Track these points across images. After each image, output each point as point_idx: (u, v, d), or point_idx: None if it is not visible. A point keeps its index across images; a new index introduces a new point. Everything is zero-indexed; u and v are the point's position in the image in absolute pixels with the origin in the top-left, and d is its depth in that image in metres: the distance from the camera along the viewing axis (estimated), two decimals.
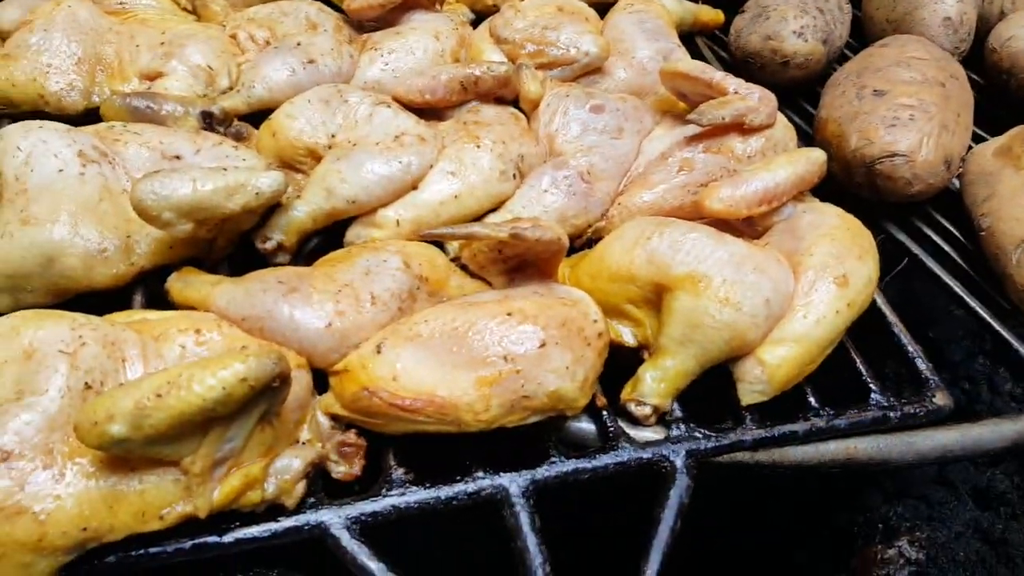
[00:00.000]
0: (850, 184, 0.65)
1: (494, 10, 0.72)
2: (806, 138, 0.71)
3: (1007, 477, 0.73)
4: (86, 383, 0.41)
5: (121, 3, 0.69)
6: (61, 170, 0.51)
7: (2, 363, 0.41)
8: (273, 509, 0.43)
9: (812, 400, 0.51)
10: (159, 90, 0.60)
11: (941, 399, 0.52)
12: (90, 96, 0.61)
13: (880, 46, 0.72)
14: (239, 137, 0.58)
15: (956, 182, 0.67)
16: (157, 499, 0.39)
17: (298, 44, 0.62)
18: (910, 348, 0.54)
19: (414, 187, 0.55)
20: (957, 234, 0.66)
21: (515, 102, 0.64)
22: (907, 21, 0.77)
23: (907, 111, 0.63)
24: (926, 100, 0.63)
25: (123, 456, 0.38)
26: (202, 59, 0.62)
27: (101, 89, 0.62)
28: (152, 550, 0.41)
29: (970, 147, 0.67)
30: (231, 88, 0.63)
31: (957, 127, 0.64)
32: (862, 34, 0.83)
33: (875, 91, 0.65)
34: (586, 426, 0.50)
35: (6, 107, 0.61)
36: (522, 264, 0.51)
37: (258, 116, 0.61)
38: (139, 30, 0.65)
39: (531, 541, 0.43)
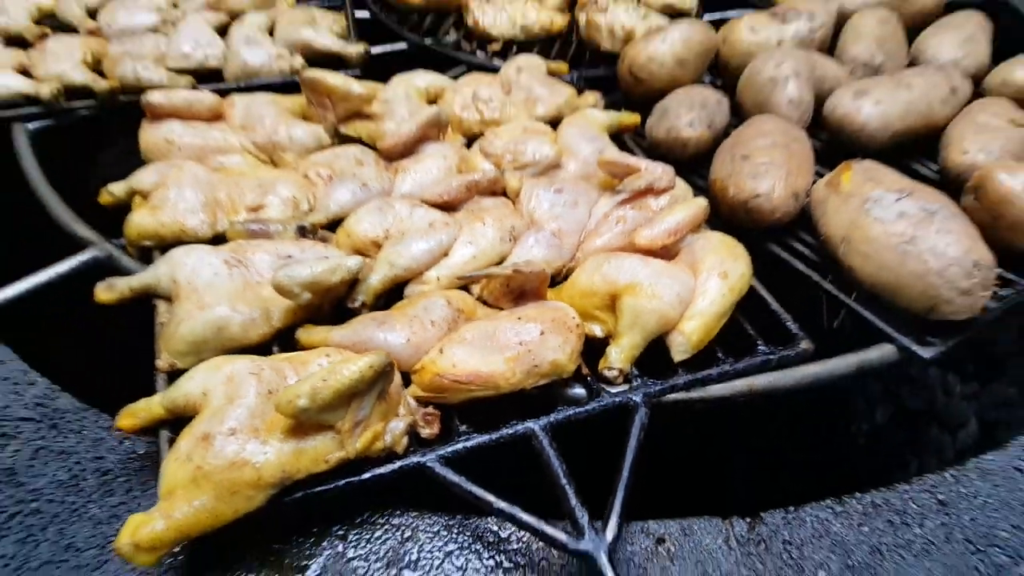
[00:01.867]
0: (735, 219, 0.94)
1: (480, 135, 1.04)
2: (705, 193, 1.01)
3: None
4: (268, 390, 0.67)
5: (220, 163, 1.00)
6: (216, 273, 0.78)
7: (217, 385, 0.67)
8: (389, 457, 0.68)
9: (720, 354, 0.78)
10: (264, 216, 0.89)
11: (806, 345, 0.79)
12: (215, 227, 0.89)
13: (746, 126, 1.04)
14: (324, 240, 0.86)
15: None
16: (323, 450, 0.64)
17: (353, 175, 0.92)
18: (781, 314, 0.82)
19: (445, 255, 0.83)
20: (809, 240, 0.95)
21: (504, 193, 0.94)
22: (765, 104, 1.09)
23: (763, 166, 0.93)
24: (776, 158, 0.94)
25: (302, 423, 0.64)
26: (288, 193, 0.92)
27: (221, 221, 0.90)
28: (320, 488, 0.66)
29: (814, 183, 0.97)
30: (311, 210, 0.92)
31: (799, 172, 0.94)
32: (739, 115, 1.15)
33: (743, 156, 0.96)
34: (578, 391, 0.76)
35: (156, 242, 0.89)
36: (523, 293, 0.79)
37: (333, 225, 0.90)
38: (240, 179, 0.94)
39: (552, 455, 0.68)
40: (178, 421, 0.68)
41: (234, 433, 0.63)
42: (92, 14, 1.33)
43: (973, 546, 0.69)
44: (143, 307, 0.82)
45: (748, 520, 0.70)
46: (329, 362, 0.70)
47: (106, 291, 0.80)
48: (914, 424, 0.86)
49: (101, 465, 0.73)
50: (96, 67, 1.20)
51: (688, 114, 1.06)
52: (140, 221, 0.87)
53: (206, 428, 0.63)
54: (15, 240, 1.14)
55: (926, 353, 0.80)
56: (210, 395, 0.66)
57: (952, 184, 0.96)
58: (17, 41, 1.26)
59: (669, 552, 0.68)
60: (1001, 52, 1.20)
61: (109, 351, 1.03)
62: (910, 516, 0.71)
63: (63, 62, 1.16)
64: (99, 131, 1.19)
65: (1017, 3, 1.64)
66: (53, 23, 1.32)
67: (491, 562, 0.67)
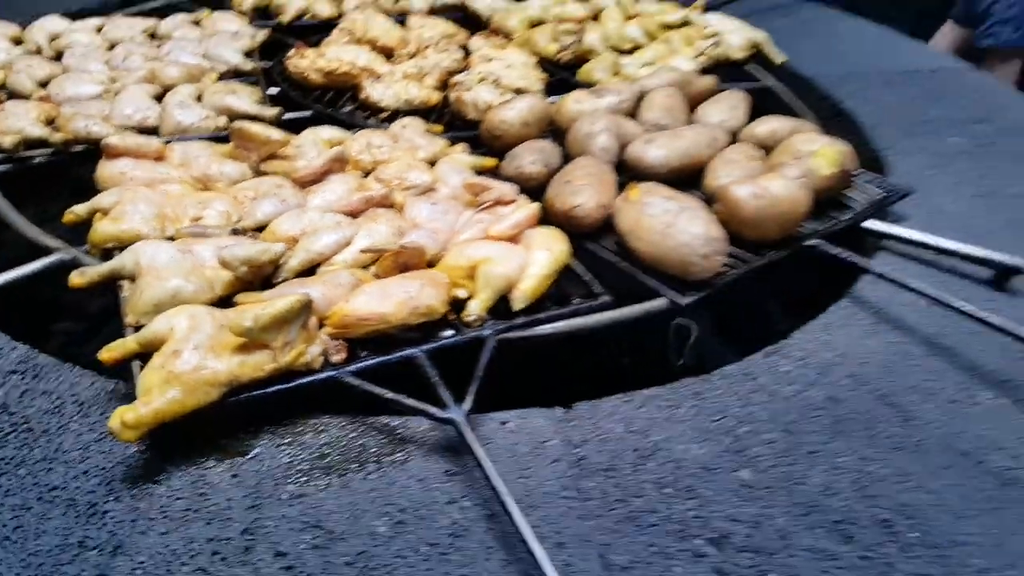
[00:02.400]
0: (562, 224, 1.30)
1: (374, 168, 1.37)
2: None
3: None
4: (220, 324, 0.92)
5: (164, 190, 1.26)
6: (171, 257, 1.04)
7: (181, 321, 0.91)
8: (310, 372, 0.94)
9: (548, 304, 1.12)
10: (207, 225, 1.16)
11: (605, 299, 1.14)
12: (164, 232, 1.14)
13: (570, 164, 1.41)
14: (253, 239, 1.14)
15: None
16: (261, 361, 0.89)
17: (274, 195, 1.21)
18: (590, 279, 1.17)
19: (348, 244, 1.13)
20: (612, 239, 1.32)
21: (392, 207, 1.25)
22: (584, 151, 1.47)
23: (580, 187, 1.30)
24: (589, 182, 1.31)
25: (246, 343, 0.89)
26: (222, 208, 1.19)
27: (169, 229, 1.16)
28: (257, 392, 0.90)
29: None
30: (240, 220, 1.19)
31: (605, 192, 1.32)
32: (567, 160, 1.53)
33: (566, 181, 1.33)
34: (449, 332, 1.06)
35: (116, 244, 1.13)
36: (406, 269, 1.10)
37: (259, 232, 1.17)
38: (182, 198, 1.20)
39: (429, 367, 0.97)
40: (144, 357, 0.92)
41: (196, 349, 0.88)
42: (42, 85, 1.58)
43: (711, 419, 1.03)
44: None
45: (564, 408, 1.02)
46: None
47: (79, 276, 1.03)
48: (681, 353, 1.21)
49: (78, 397, 0.95)
50: (49, 125, 1.44)
51: (530, 156, 1.43)
52: (104, 229, 1.12)
53: (175, 347, 0.88)
54: None
55: (683, 301, 1.17)
56: (175, 329, 0.91)
57: (709, 200, 1.37)
58: None
59: (509, 429, 0.97)
60: (758, 114, 1.70)
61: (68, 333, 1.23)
62: (674, 402, 1.05)
63: (21, 120, 1.40)
64: (51, 174, 1.43)
65: (773, 85, 2.22)
66: (4, 93, 1.56)
67: (384, 440, 0.93)
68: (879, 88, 2.27)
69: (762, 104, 2.02)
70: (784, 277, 1.65)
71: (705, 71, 2.03)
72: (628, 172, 1.48)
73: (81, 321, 1.38)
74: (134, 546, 0.78)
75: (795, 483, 0.94)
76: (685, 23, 2.33)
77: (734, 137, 1.61)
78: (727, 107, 1.69)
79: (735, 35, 2.30)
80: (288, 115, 1.63)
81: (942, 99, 2.17)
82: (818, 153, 1.44)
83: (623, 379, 1.11)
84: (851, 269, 1.36)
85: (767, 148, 1.53)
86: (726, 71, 2.27)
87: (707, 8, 2.50)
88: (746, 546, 0.85)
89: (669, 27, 2.29)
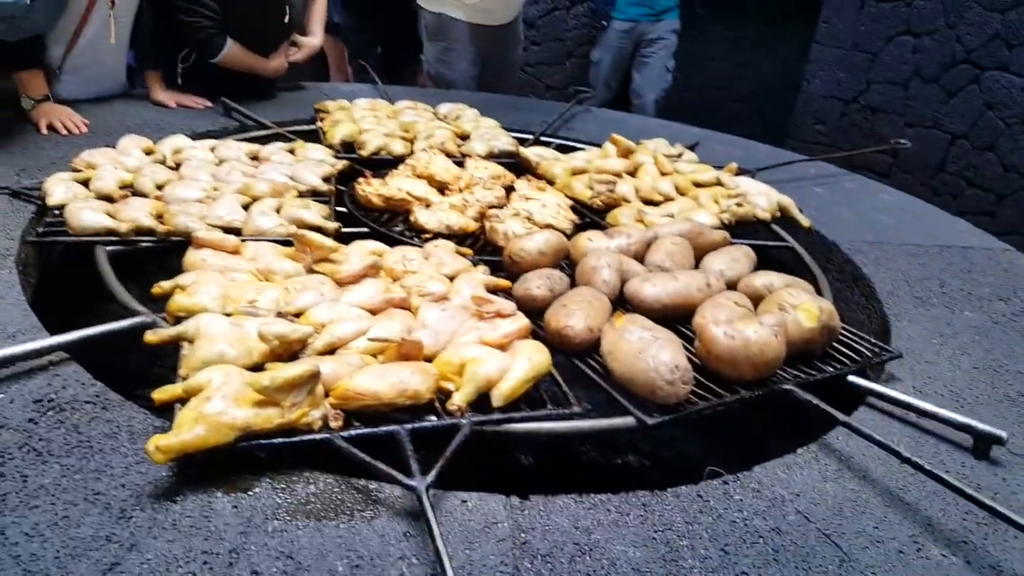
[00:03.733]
0: (555, 341, 1.48)
1: (403, 276, 1.62)
2: (542, 330, 1.57)
3: None
4: (246, 382, 1.14)
5: (233, 277, 1.54)
6: (222, 327, 1.29)
7: (217, 376, 1.14)
8: (310, 431, 1.13)
9: (523, 406, 1.28)
10: (256, 306, 1.42)
11: (577, 408, 1.30)
12: (225, 309, 1.41)
13: (572, 292, 1.63)
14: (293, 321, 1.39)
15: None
16: (272, 416, 1.09)
17: (317, 288, 1.47)
18: (564, 387, 1.33)
19: (364, 333, 1.35)
20: (597, 358, 1.49)
21: (408, 309, 1.49)
22: (589, 282, 1.69)
23: (574, 311, 1.50)
24: (583, 307, 1.51)
25: (262, 399, 1.10)
26: (274, 295, 1.45)
27: (229, 307, 1.42)
28: (265, 441, 1.10)
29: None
30: (287, 305, 1.45)
31: (596, 317, 1.51)
32: (575, 286, 1.74)
33: (563, 305, 1.54)
34: (433, 416, 1.24)
35: (187, 314, 1.40)
36: (407, 359, 1.30)
37: (298, 316, 1.42)
38: (244, 285, 1.48)
39: (407, 442, 1.14)
40: (186, 402, 1.14)
41: (223, 398, 1.10)
42: (159, 187, 1.96)
43: (654, 528, 1.14)
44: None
45: (521, 498, 1.16)
46: None
47: (152, 335, 1.29)
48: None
49: (132, 428, 1.17)
50: (158, 219, 1.79)
51: (538, 281, 1.65)
52: (179, 300, 1.39)
53: (208, 394, 1.10)
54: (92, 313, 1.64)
55: (650, 421, 1.31)
56: (212, 380, 1.13)
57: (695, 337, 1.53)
58: (107, 198, 1.88)
59: (468, 507, 1.12)
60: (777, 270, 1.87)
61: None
62: (623, 509, 1.17)
63: (138, 211, 1.76)
64: (152, 257, 1.76)
65: (795, 245, 2.40)
66: (131, 191, 1.95)
67: (360, 498, 1.10)
68: (904, 258, 2.36)
69: (783, 263, 2.19)
70: (777, 415, 1.76)
71: (729, 229, 2.24)
72: (626, 307, 1.67)
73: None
74: (145, 547, 0.96)
75: None
76: (716, 183, 2.59)
77: (732, 287, 1.78)
78: (730, 259, 1.88)
79: (762, 197, 2.53)
80: (348, 229, 1.94)
81: (967, 275, 2.26)
82: (800, 307, 1.60)
83: (578, 484, 1.25)
84: (825, 419, 1.46)
85: (760, 300, 1.70)
86: (755, 231, 2.47)
87: (742, 172, 2.76)
88: None
89: (701, 185, 2.56)
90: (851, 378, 1.59)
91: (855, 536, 1.17)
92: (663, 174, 2.58)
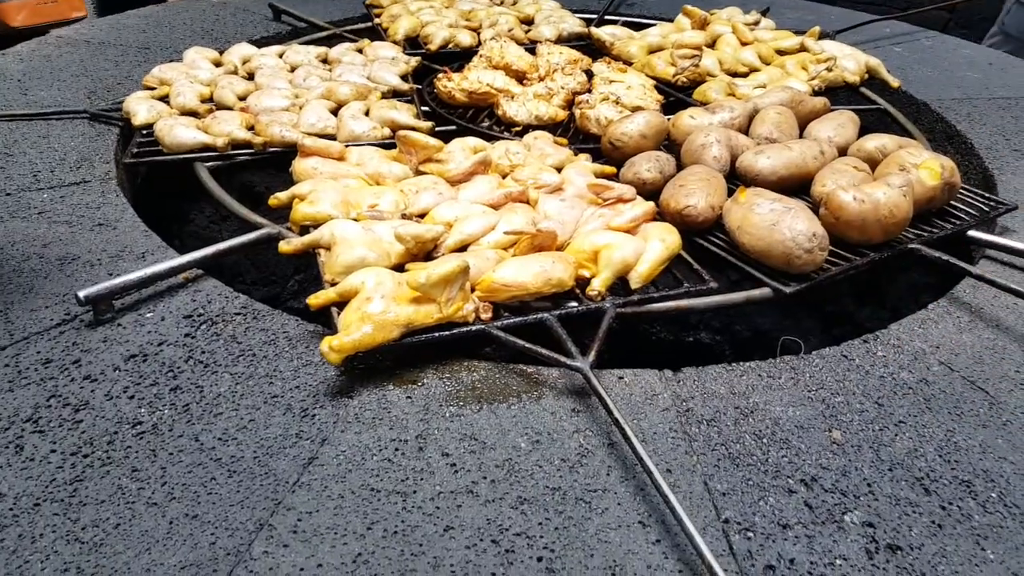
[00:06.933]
0: (675, 222, 1.47)
1: (511, 171, 1.59)
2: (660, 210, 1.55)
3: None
4: (398, 282, 1.16)
5: (346, 183, 1.54)
6: (357, 232, 1.30)
7: (370, 278, 1.16)
8: (465, 324, 1.16)
9: (656, 287, 1.28)
10: (381, 211, 1.42)
11: (712, 284, 1.30)
12: (348, 215, 1.42)
13: (684, 171, 1.59)
14: (418, 222, 1.39)
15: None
16: (430, 311, 1.12)
17: (433, 188, 1.46)
18: (699, 268, 1.33)
19: (492, 229, 1.35)
20: (721, 236, 1.47)
21: (526, 202, 1.47)
22: (698, 160, 1.65)
23: (693, 190, 1.47)
24: (701, 186, 1.48)
25: (419, 296, 1.12)
26: (392, 197, 1.44)
27: (351, 212, 1.43)
28: (426, 336, 1.13)
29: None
30: (406, 208, 1.45)
31: (716, 194, 1.48)
32: (680, 166, 1.71)
33: (680, 185, 1.50)
34: (575, 304, 1.25)
35: (311, 222, 1.41)
36: (540, 250, 1.30)
37: (421, 216, 1.43)
38: (361, 189, 1.48)
39: (558, 327, 1.17)
40: (339, 305, 1.17)
41: (383, 298, 1.12)
42: (240, 99, 1.93)
43: (807, 389, 1.16)
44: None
45: (673, 371, 1.18)
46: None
47: (287, 244, 1.31)
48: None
49: (288, 334, 1.21)
50: (249, 130, 1.78)
51: (647, 164, 1.62)
52: (303, 210, 1.40)
53: (367, 295, 1.13)
54: (209, 229, 1.67)
55: (788, 290, 1.30)
56: (366, 283, 1.16)
57: (815, 206, 1.50)
58: (191, 113, 1.86)
59: (625, 382, 1.15)
60: (867, 133, 1.80)
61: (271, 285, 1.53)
62: (773, 373, 1.19)
63: (230, 125, 1.74)
64: (251, 169, 1.76)
65: (888, 107, 2.29)
66: (211, 103, 1.93)
67: (522, 381, 1.14)
68: (994, 112, 2.32)
69: (877, 125, 2.12)
70: (888, 282, 1.74)
71: (819, 94, 2.14)
72: (739, 180, 1.63)
73: (276, 286, 1.70)
74: (337, 440, 1.02)
75: (883, 445, 1.05)
76: (801, 49, 2.45)
77: (842, 153, 1.72)
78: (836, 125, 1.80)
79: (849, 60, 2.39)
80: (437, 128, 1.90)
81: None
82: (922, 165, 1.54)
83: (723, 357, 1.26)
84: (952, 273, 1.44)
85: (875, 163, 1.64)
86: (843, 94, 2.37)
87: (822, 36, 2.61)
88: (833, 488, 0.98)
89: (784, 53, 2.42)
90: (971, 232, 1.56)
91: (999, 380, 1.19)
92: (743, 44, 2.44)
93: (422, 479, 0.96)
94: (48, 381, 1.10)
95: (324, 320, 1.21)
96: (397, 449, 1.01)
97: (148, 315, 1.26)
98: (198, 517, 0.89)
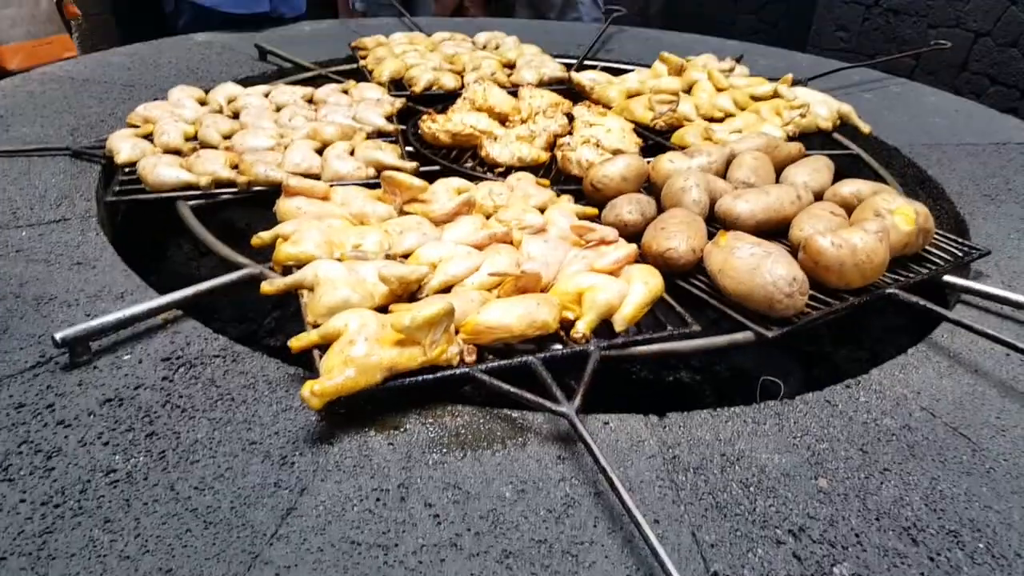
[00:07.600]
0: (657, 264, 1.48)
1: (494, 211, 1.60)
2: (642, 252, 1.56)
3: None
4: (382, 324, 1.15)
5: (329, 224, 1.53)
6: (340, 273, 1.29)
7: (353, 320, 1.14)
8: (449, 367, 1.15)
9: (639, 329, 1.29)
10: (365, 251, 1.41)
11: (695, 327, 1.30)
12: (332, 256, 1.41)
13: (666, 215, 1.61)
14: (402, 263, 1.38)
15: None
16: (414, 355, 1.11)
17: (417, 229, 1.46)
18: (678, 309, 1.34)
19: (476, 271, 1.35)
20: (701, 278, 1.49)
21: (510, 243, 1.48)
22: (678, 203, 1.67)
23: (675, 233, 1.49)
24: (682, 229, 1.50)
25: (403, 339, 1.11)
26: (376, 238, 1.44)
27: (335, 253, 1.42)
28: (409, 379, 1.11)
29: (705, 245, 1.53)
30: (390, 248, 1.44)
31: (697, 237, 1.50)
32: (661, 209, 1.73)
33: (661, 228, 1.52)
34: (559, 346, 1.25)
35: (294, 263, 1.40)
36: (524, 291, 1.30)
37: (405, 257, 1.42)
38: (345, 230, 1.47)
39: (542, 371, 1.16)
40: (320, 348, 1.15)
41: (366, 340, 1.11)
42: (225, 138, 1.93)
43: (792, 435, 1.16)
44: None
45: (658, 416, 1.18)
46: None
47: (269, 285, 1.30)
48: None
49: (268, 378, 1.19)
50: (233, 169, 1.77)
51: (628, 206, 1.64)
52: (287, 249, 1.39)
53: (351, 337, 1.11)
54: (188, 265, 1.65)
55: (770, 334, 1.31)
56: (349, 325, 1.14)
57: (794, 250, 1.52)
58: (174, 152, 1.85)
59: (610, 428, 1.14)
60: (839, 178, 1.84)
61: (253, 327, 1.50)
62: (758, 419, 1.19)
63: (214, 164, 1.74)
64: (233, 208, 1.75)
65: (860, 152, 2.36)
66: (195, 143, 1.92)
67: (507, 427, 1.12)
68: (963, 157, 2.39)
69: (849, 170, 2.17)
70: (865, 322, 1.77)
71: (793, 139, 2.20)
72: (718, 224, 1.66)
73: (252, 323, 1.67)
74: (316, 489, 0.99)
75: (868, 493, 1.05)
76: (775, 95, 2.52)
77: (818, 197, 1.76)
78: (811, 170, 1.85)
79: (822, 106, 2.47)
80: (421, 168, 1.91)
81: None
82: (897, 211, 1.58)
83: (706, 402, 1.26)
84: (929, 318, 1.47)
85: (850, 208, 1.68)
86: (816, 140, 2.44)
87: (795, 82, 2.69)
88: (821, 539, 0.97)
89: (758, 99, 2.49)
90: (946, 277, 1.59)
91: (980, 427, 1.20)
92: (719, 90, 2.50)
93: (404, 531, 0.93)
94: (20, 426, 1.06)
95: (305, 363, 1.19)
96: (379, 499, 0.98)
97: (126, 357, 1.23)
98: (172, 572, 0.86)
